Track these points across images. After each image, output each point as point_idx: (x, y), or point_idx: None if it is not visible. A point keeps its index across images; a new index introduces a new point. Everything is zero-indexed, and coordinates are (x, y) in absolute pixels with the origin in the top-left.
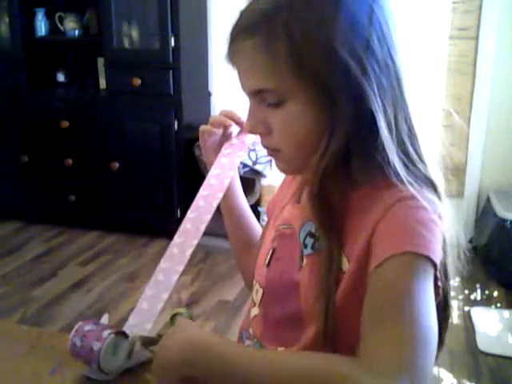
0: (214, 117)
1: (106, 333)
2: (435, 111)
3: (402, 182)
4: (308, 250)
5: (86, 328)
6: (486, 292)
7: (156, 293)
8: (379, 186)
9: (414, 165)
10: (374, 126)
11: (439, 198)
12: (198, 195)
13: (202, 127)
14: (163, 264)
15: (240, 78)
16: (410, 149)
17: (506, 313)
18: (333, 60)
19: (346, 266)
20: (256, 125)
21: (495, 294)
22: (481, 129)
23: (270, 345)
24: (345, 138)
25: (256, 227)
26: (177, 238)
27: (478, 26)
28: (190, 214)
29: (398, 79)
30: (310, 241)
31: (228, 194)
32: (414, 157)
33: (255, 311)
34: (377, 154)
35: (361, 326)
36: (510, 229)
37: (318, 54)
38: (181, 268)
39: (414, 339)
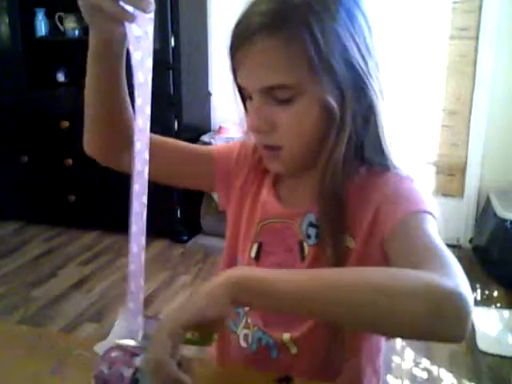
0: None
1: (135, 359)
2: (435, 111)
3: (391, 162)
4: (312, 240)
5: (114, 354)
6: (486, 292)
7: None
8: (376, 168)
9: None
10: (373, 116)
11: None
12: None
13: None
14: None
15: (250, 75)
16: (389, 132)
17: (505, 313)
18: (345, 57)
19: (351, 243)
20: (261, 122)
21: (495, 294)
22: (481, 129)
23: (275, 331)
24: (352, 130)
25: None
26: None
27: (478, 26)
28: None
29: (379, 71)
30: (312, 231)
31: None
32: (390, 139)
33: None
34: (376, 140)
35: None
36: (510, 229)
37: (335, 51)
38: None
39: (452, 259)
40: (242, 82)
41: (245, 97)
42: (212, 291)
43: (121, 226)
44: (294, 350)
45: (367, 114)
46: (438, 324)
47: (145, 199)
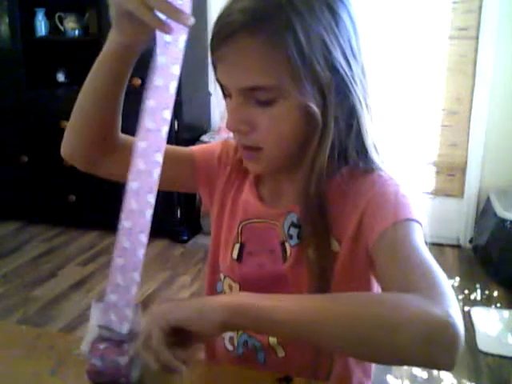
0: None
1: (126, 346)
2: (435, 111)
3: (376, 165)
4: (294, 241)
5: (102, 346)
6: (486, 292)
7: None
8: (359, 170)
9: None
10: (355, 120)
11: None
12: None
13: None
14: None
15: (229, 75)
16: (373, 135)
17: (505, 313)
18: (329, 61)
19: (335, 247)
20: (239, 122)
21: (495, 294)
22: (481, 129)
23: (261, 335)
24: (335, 134)
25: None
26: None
27: (478, 26)
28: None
29: (364, 75)
30: (294, 231)
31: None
32: (374, 142)
33: None
34: (359, 144)
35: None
36: (510, 229)
37: (318, 55)
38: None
39: (441, 277)
40: (222, 79)
41: (225, 94)
42: (206, 310)
43: None
44: (281, 353)
45: (350, 119)
46: (431, 354)
47: (150, 198)
